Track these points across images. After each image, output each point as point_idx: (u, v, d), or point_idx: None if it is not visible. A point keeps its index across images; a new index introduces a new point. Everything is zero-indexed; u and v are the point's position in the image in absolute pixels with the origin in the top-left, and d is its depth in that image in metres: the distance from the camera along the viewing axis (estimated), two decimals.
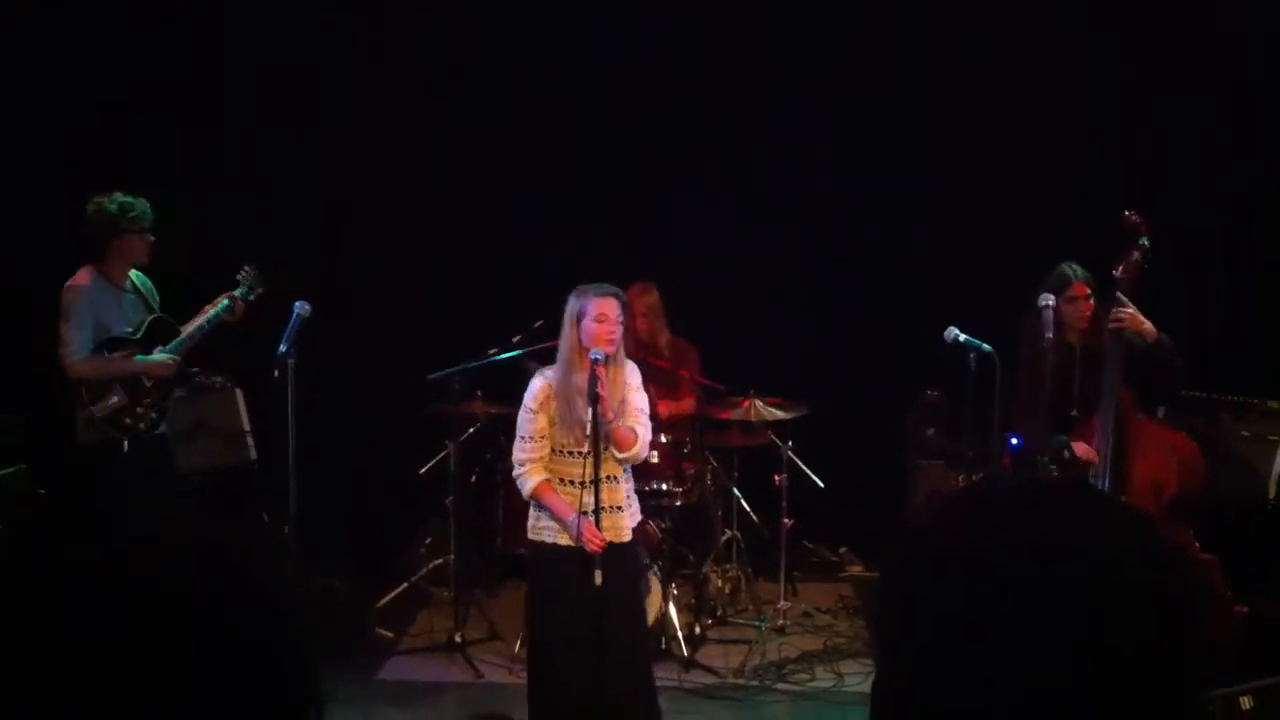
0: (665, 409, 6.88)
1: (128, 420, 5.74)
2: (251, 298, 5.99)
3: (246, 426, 7.08)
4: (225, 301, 5.93)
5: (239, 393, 7.08)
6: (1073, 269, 5.49)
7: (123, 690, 1.05)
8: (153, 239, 5.84)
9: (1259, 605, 5.31)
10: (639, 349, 6.99)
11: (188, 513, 1.20)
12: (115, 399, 5.71)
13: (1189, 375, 6.50)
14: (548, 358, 6.29)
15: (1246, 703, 4.31)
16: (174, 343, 5.88)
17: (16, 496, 6.20)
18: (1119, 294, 5.25)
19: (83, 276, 5.71)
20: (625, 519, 4.89)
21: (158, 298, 6.02)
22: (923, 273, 7.51)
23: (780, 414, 6.55)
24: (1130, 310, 5.21)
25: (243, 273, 6.02)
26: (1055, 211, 7.25)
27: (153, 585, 1.10)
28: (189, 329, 5.91)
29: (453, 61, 7.90)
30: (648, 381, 7.10)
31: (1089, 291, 5.45)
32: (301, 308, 5.74)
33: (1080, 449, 5.31)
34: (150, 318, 5.90)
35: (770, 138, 8.00)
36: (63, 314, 5.65)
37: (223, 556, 1.15)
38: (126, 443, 5.73)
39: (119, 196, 5.73)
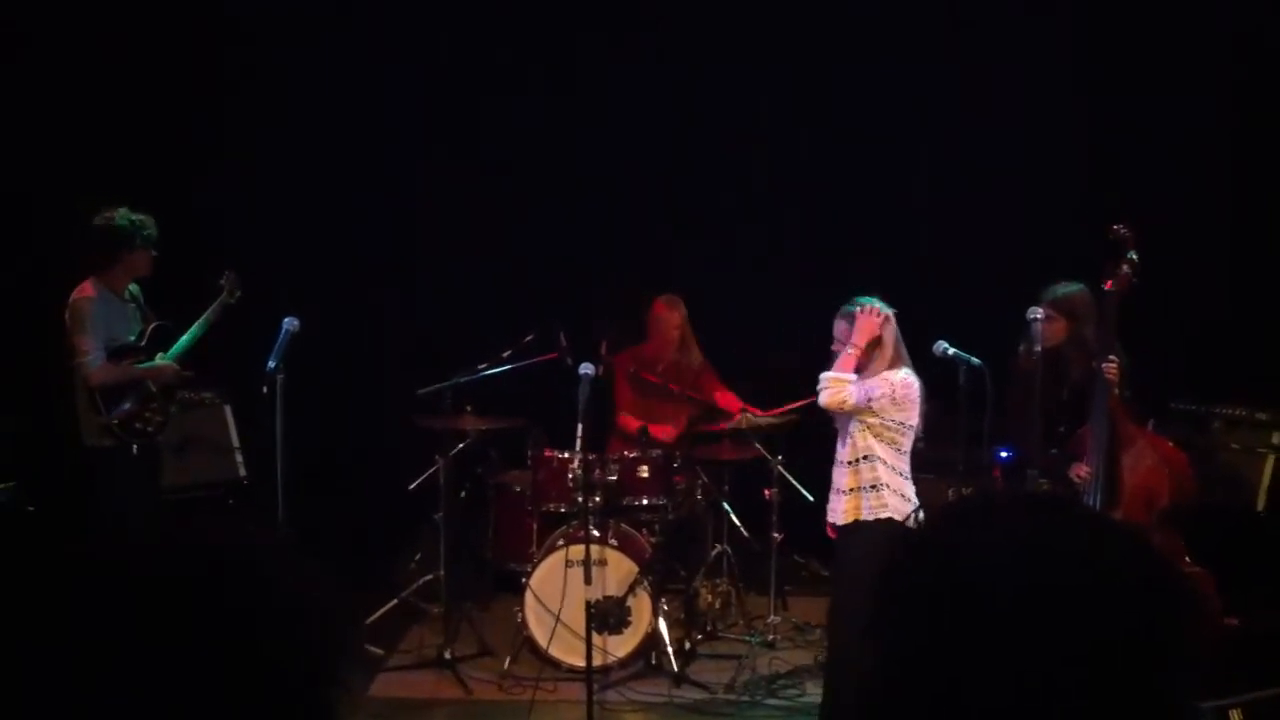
0: (662, 431, 6.92)
1: (138, 425, 5.89)
2: (232, 301, 6.15)
3: (236, 442, 7.10)
4: (215, 305, 6.12)
5: (228, 409, 7.10)
6: (1052, 291, 5.55)
7: (144, 691, 1.05)
8: (155, 255, 5.94)
9: (1249, 617, 5.30)
10: (669, 367, 6.99)
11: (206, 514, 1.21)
12: (128, 404, 5.84)
13: (1180, 387, 6.52)
14: (539, 371, 6.32)
15: (1236, 716, 4.31)
16: (174, 348, 6.04)
17: (10, 515, 6.25)
18: (1109, 312, 5.31)
19: (88, 288, 5.82)
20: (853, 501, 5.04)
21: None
22: (918, 285, 7.51)
23: (771, 420, 6.55)
24: (1117, 365, 5.29)
25: (224, 277, 6.18)
26: (1057, 222, 7.24)
27: (174, 584, 1.10)
28: (186, 335, 6.06)
29: (454, 73, 7.90)
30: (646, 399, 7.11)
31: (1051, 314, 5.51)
32: (290, 323, 5.83)
33: (1079, 470, 5.35)
34: (152, 325, 6.05)
35: (765, 151, 8.01)
36: (76, 325, 5.76)
37: (248, 556, 1.17)
38: (135, 446, 5.87)
39: (128, 213, 5.84)
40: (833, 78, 7.81)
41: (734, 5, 7.88)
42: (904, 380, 4.96)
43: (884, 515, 4.93)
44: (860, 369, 4.99)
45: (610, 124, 7.95)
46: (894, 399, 4.94)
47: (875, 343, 5.00)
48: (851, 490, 5.01)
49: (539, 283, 7.83)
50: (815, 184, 7.93)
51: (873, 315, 4.99)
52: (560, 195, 8.01)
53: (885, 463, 4.98)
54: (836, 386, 4.94)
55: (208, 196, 7.45)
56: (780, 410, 6.62)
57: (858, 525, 5.00)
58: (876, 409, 4.94)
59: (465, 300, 7.81)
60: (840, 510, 5.06)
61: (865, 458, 4.99)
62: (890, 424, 4.97)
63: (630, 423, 7.08)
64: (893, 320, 5.04)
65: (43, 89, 7.32)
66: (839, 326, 5.06)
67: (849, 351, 4.97)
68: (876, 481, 4.97)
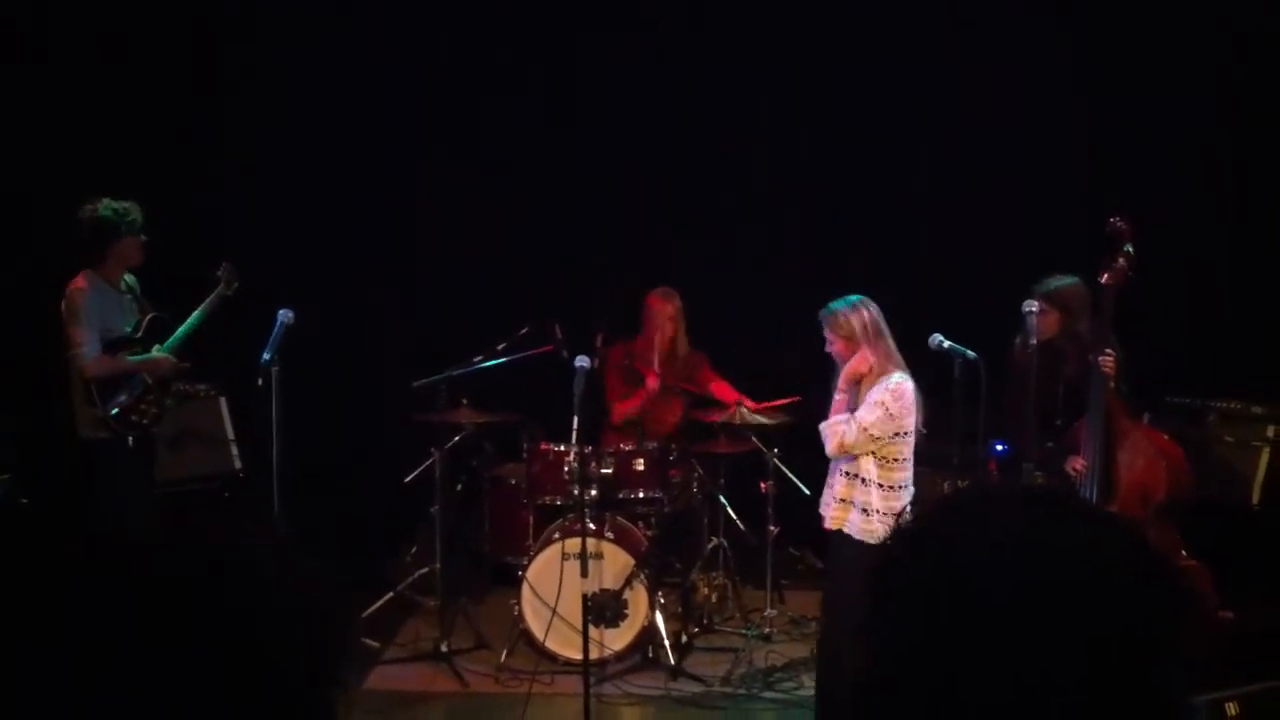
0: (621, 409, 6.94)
1: (133, 417, 5.89)
2: (229, 293, 6.15)
3: (231, 435, 7.10)
4: (212, 297, 6.12)
5: (223, 401, 7.11)
6: (1046, 284, 5.58)
7: (144, 691, 1.06)
8: (145, 239, 5.92)
9: (1245, 611, 5.32)
10: (661, 359, 7.01)
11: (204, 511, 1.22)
12: (124, 396, 5.84)
13: (1175, 380, 6.53)
14: (534, 364, 6.32)
15: (1232, 709, 4.32)
16: (170, 340, 6.03)
17: (5, 508, 6.25)
18: (1105, 315, 5.32)
19: (82, 280, 5.83)
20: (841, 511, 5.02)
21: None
22: (917, 282, 7.52)
23: (765, 420, 6.56)
24: (1113, 359, 5.30)
25: (222, 269, 6.18)
26: (1057, 221, 7.25)
27: (174, 584, 1.11)
28: (183, 326, 6.06)
29: (454, 73, 7.90)
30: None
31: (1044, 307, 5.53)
32: (285, 315, 5.85)
33: (1075, 464, 5.36)
34: (148, 317, 6.05)
35: (765, 151, 8.01)
36: (70, 317, 5.77)
37: (248, 555, 1.17)
38: (131, 439, 5.87)
39: (110, 202, 5.84)
40: (833, 78, 7.81)
41: (734, 5, 7.89)
42: (895, 390, 4.90)
43: (870, 542, 4.89)
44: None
45: (610, 124, 7.96)
46: (889, 414, 4.89)
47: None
48: (843, 500, 5.00)
49: (539, 282, 7.83)
50: (815, 184, 7.93)
51: (860, 363, 4.95)
52: (560, 195, 8.01)
53: (881, 487, 4.94)
54: (833, 433, 4.93)
55: (208, 195, 7.47)
56: (772, 405, 6.63)
57: (844, 536, 4.98)
58: (877, 434, 4.90)
59: (465, 299, 7.81)
60: (830, 513, 5.05)
61: (863, 480, 4.95)
62: (891, 439, 4.94)
63: (623, 410, 7.09)
64: (879, 320, 4.99)
65: (43, 89, 7.33)
66: (825, 329, 5.05)
67: (837, 397, 4.97)
68: (869, 506, 4.92)
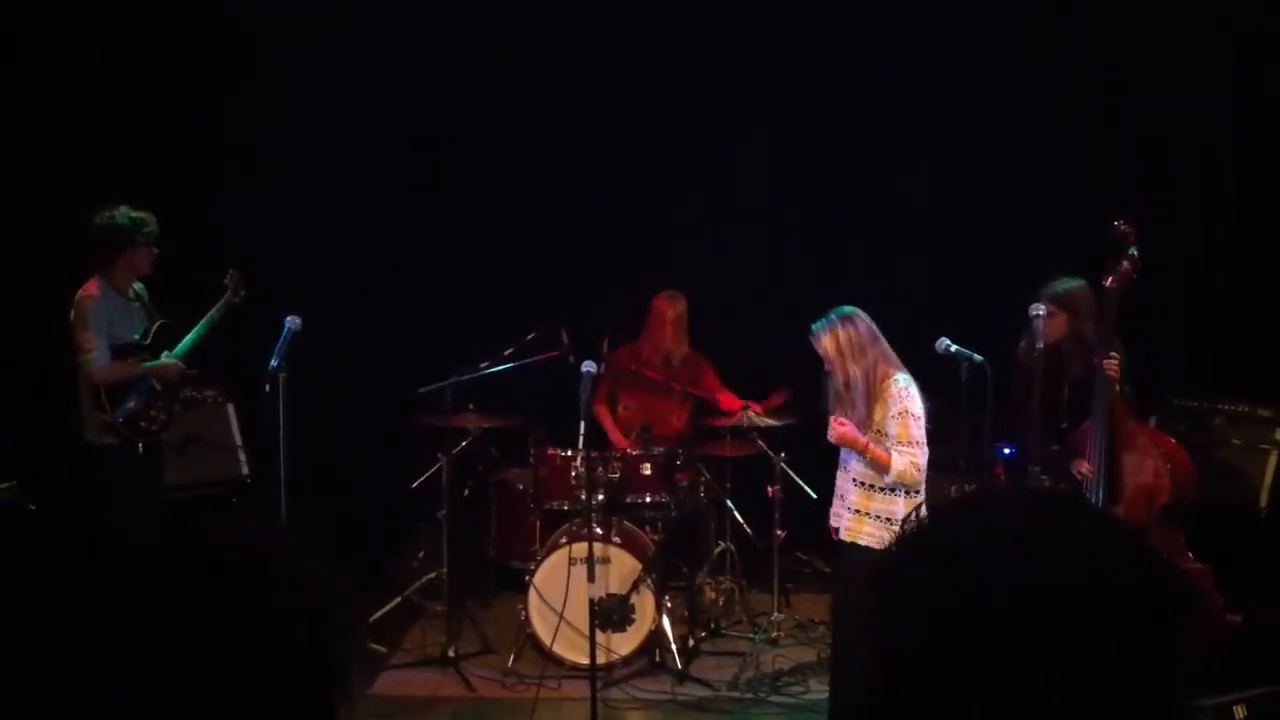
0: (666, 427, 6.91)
1: (142, 423, 5.90)
2: (236, 300, 6.18)
3: (239, 441, 7.11)
4: (220, 305, 6.15)
5: (231, 407, 7.11)
6: (1053, 286, 5.57)
7: (144, 691, 1.06)
8: (157, 252, 5.94)
9: (1252, 614, 5.31)
10: (661, 360, 7.01)
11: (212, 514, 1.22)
12: (132, 403, 5.85)
13: (1181, 383, 6.52)
14: (541, 369, 6.32)
15: (1240, 712, 4.32)
16: (179, 347, 6.05)
17: (11, 514, 6.25)
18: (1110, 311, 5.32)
19: (93, 286, 5.84)
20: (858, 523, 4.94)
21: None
22: (919, 283, 7.52)
23: (772, 421, 6.55)
24: (1117, 362, 5.29)
25: (229, 276, 6.21)
26: (1057, 221, 7.24)
27: (174, 585, 1.11)
28: (191, 334, 6.08)
29: (454, 73, 7.90)
30: (645, 394, 7.12)
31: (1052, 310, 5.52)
32: (292, 322, 5.86)
33: (1081, 467, 5.36)
34: (156, 324, 6.06)
35: (765, 151, 8.01)
36: (79, 323, 5.77)
37: (249, 556, 1.17)
38: (140, 445, 5.89)
39: (128, 211, 5.84)
40: (833, 78, 7.81)
41: (734, 5, 7.89)
42: (903, 393, 4.85)
43: None
44: (859, 386, 4.90)
45: (610, 124, 7.96)
46: (915, 415, 4.85)
47: (862, 367, 4.88)
48: (859, 512, 4.94)
49: (539, 282, 7.84)
50: (815, 184, 7.94)
51: (848, 435, 4.88)
52: (560, 195, 8.02)
53: (907, 493, 4.89)
54: (905, 470, 4.81)
55: (209, 197, 7.46)
56: (775, 401, 6.63)
57: (861, 549, 4.90)
58: (921, 438, 4.85)
59: (465, 300, 7.81)
60: (845, 526, 4.98)
61: (888, 489, 4.89)
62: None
63: (604, 415, 7.07)
64: (867, 330, 4.92)
65: (44, 89, 7.31)
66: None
67: (868, 455, 4.86)
68: (893, 516, 4.84)
